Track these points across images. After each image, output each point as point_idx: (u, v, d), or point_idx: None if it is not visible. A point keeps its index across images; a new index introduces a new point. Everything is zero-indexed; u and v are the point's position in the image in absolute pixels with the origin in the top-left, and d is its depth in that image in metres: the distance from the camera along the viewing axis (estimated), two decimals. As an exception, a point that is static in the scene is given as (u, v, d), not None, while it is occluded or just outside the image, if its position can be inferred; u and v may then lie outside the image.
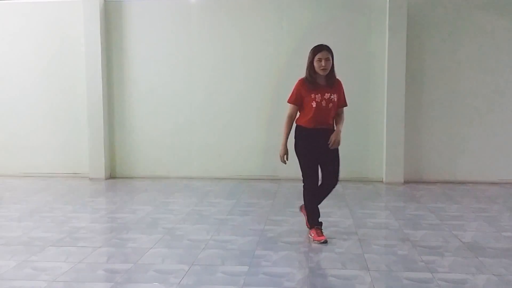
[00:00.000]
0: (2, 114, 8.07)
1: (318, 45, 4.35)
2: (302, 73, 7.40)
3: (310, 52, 4.33)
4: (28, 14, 7.89)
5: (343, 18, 7.43)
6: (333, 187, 4.53)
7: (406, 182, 7.38)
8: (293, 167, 7.75)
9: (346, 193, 6.63)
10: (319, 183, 4.52)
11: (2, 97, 8.03)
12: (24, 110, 8.00)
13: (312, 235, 4.41)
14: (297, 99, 4.40)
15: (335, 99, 4.36)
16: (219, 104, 7.71)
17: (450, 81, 7.36)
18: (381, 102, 7.39)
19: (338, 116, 4.51)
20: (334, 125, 4.48)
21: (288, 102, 4.47)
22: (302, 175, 4.51)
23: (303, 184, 4.51)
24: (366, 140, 7.53)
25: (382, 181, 7.46)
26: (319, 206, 4.54)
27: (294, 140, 4.48)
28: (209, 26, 7.65)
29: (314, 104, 4.30)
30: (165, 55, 7.74)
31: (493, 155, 7.43)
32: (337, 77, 4.47)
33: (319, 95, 4.30)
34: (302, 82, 4.40)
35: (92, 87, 7.65)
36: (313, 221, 4.48)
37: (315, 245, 4.32)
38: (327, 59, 4.24)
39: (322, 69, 4.26)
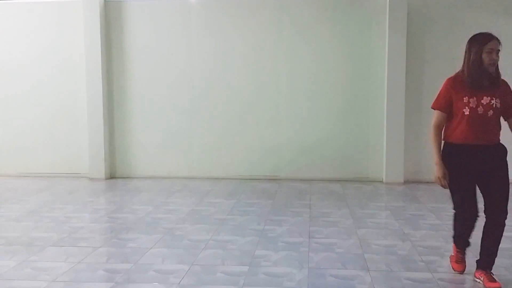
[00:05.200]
0: (2, 114, 8.06)
1: (487, 33, 3.33)
2: (302, 73, 7.56)
3: (473, 43, 3.32)
4: (28, 14, 7.89)
5: (343, 18, 7.43)
6: (502, 223, 3.38)
7: (406, 182, 7.38)
8: (293, 167, 7.84)
9: (346, 193, 6.63)
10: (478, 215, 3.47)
11: (2, 97, 8.03)
12: (24, 110, 8.00)
13: (451, 259, 3.75)
14: (446, 104, 3.38)
15: (497, 105, 3.29)
16: (219, 104, 7.71)
17: (450, 81, 7.35)
18: (381, 102, 7.39)
19: None
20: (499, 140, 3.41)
21: (433, 107, 3.46)
22: (453, 203, 3.56)
23: (453, 212, 3.60)
24: (366, 140, 7.53)
25: (382, 181, 7.46)
26: (493, 251, 3.48)
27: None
28: (209, 26, 7.64)
29: (467, 111, 3.27)
30: (165, 55, 7.74)
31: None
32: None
33: (475, 99, 3.27)
34: (454, 82, 3.39)
35: (92, 87, 7.65)
36: (457, 239, 3.64)
37: (316, 245, 4.32)
38: (498, 52, 3.29)
39: (492, 64, 3.29)
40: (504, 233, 4.64)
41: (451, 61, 7.37)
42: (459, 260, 3.66)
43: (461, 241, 3.62)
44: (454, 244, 3.71)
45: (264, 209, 5.70)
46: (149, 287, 3.42)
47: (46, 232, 4.75)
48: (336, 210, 5.64)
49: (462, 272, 3.64)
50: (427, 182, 7.36)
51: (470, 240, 3.63)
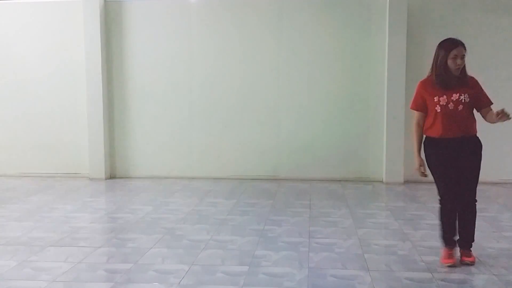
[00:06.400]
0: (2, 114, 8.06)
1: (452, 40, 3.77)
2: (302, 73, 7.56)
3: (440, 48, 3.76)
4: (28, 14, 7.89)
5: (343, 17, 7.42)
6: (474, 207, 3.83)
7: (406, 182, 7.37)
8: (293, 167, 7.84)
9: (346, 193, 6.63)
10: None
11: (2, 97, 8.03)
12: (24, 110, 7.99)
13: (441, 255, 3.93)
14: (420, 104, 3.86)
15: (466, 100, 3.69)
16: (219, 104, 7.71)
17: (450, 81, 7.36)
18: (381, 102, 7.39)
19: (488, 116, 3.77)
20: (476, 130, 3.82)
21: (412, 108, 3.96)
22: (438, 192, 3.94)
23: (439, 199, 3.94)
24: (366, 140, 7.53)
25: (382, 181, 7.46)
26: (469, 233, 3.89)
27: (424, 154, 3.96)
28: (209, 26, 7.64)
29: (438, 109, 3.73)
30: (165, 55, 7.74)
31: (493, 155, 7.41)
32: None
33: (445, 97, 3.71)
34: (424, 84, 3.86)
35: (92, 87, 7.64)
36: (444, 239, 3.91)
37: (316, 245, 4.32)
38: (463, 57, 3.69)
39: (457, 68, 3.70)
40: (504, 233, 4.69)
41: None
42: (449, 256, 3.85)
43: (448, 240, 3.89)
44: (444, 247, 3.91)
45: (264, 209, 5.70)
46: (149, 287, 3.42)
47: (46, 232, 4.75)
48: (336, 210, 5.64)
49: (453, 265, 3.78)
50: (427, 182, 7.34)
51: (456, 238, 3.89)
